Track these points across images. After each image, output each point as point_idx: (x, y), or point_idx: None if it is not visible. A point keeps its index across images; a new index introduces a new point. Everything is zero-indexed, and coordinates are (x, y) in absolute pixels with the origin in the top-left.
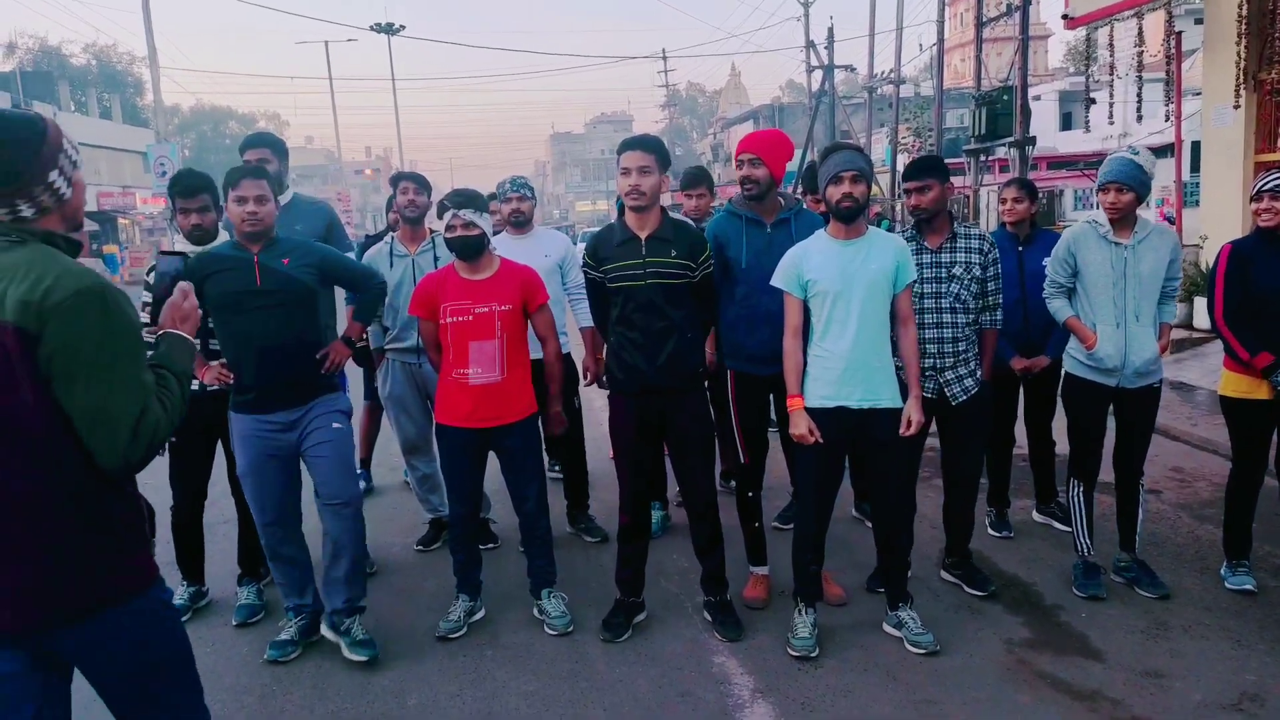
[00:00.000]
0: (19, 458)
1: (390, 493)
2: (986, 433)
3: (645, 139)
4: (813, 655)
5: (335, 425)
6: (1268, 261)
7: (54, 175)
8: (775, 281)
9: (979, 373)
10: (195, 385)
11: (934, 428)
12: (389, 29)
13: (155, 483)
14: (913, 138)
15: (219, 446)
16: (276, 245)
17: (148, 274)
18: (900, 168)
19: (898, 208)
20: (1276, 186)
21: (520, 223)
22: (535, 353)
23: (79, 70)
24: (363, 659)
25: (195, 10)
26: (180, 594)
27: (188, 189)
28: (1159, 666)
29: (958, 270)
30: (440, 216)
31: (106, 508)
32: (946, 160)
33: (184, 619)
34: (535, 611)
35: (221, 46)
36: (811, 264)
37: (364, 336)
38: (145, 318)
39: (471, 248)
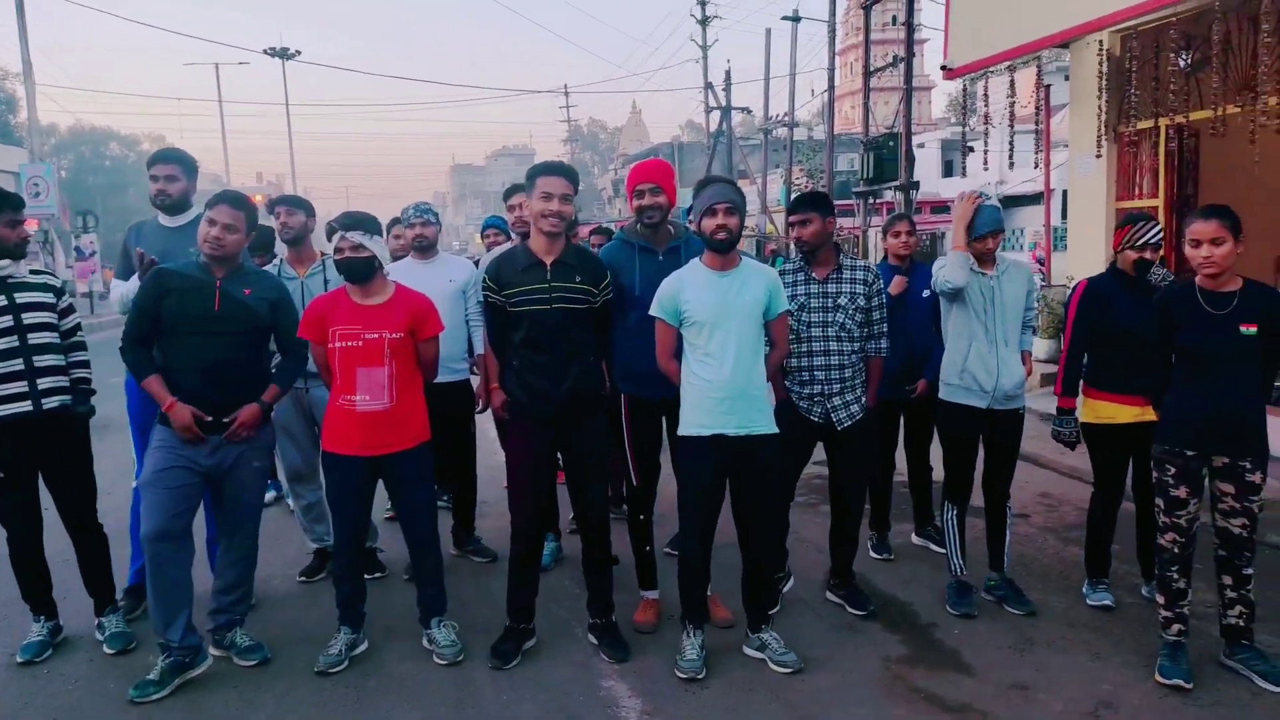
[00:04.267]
0: None
1: (273, 521)
2: (873, 458)
3: (567, 167)
4: (700, 676)
5: (255, 464)
6: (1121, 300)
7: None
8: (653, 311)
9: (864, 399)
10: (11, 410)
11: (819, 455)
12: (283, 54)
13: None
14: (806, 179)
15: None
16: (241, 274)
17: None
18: None
19: (791, 246)
20: (1159, 241)
21: (424, 247)
22: (445, 375)
23: None
24: (254, 662)
25: (76, 27)
26: (36, 631)
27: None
28: (1024, 679)
29: (843, 300)
30: (329, 238)
31: None
32: (837, 201)
33: (44, 656)
34: (424, 641)
35: (104, 65)
36: (688, 294)
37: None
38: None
39: (360, 270)
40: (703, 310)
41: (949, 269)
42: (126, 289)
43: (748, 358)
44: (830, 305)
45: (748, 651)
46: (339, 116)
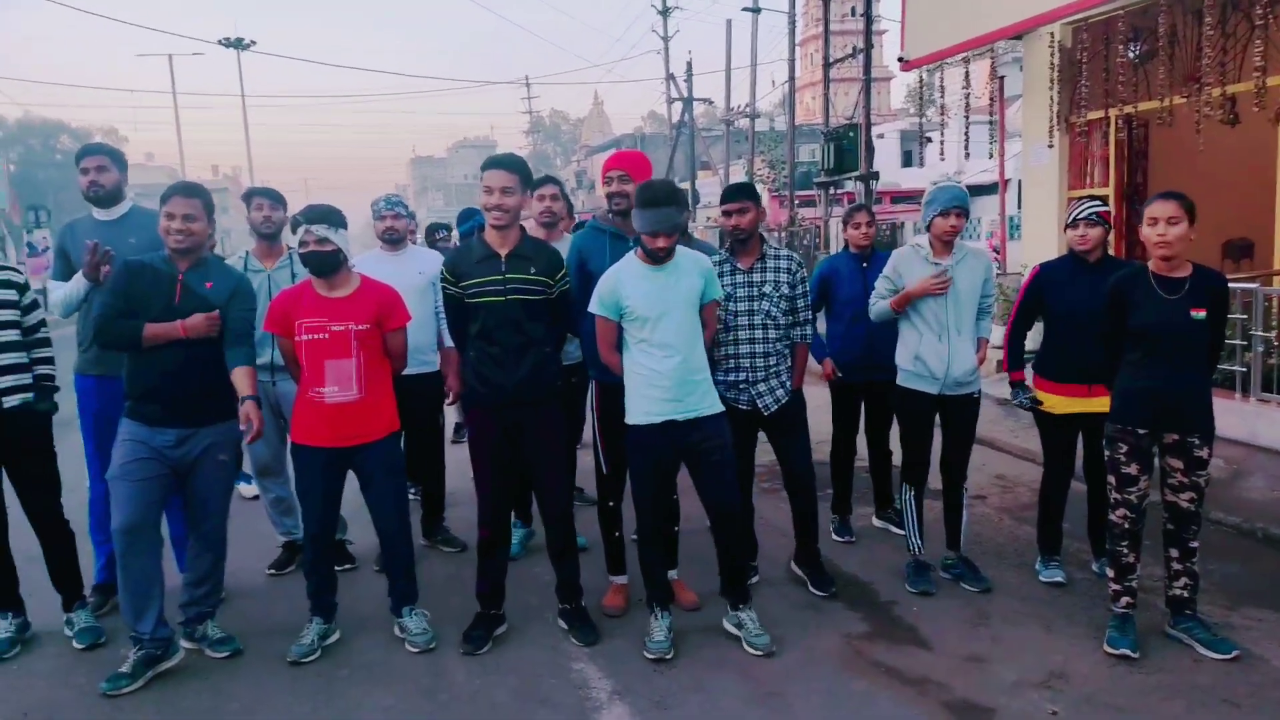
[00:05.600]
0: None
1: (241, 514)
2: (806, 435)
3: (509, 159)
4: (668, 657)
5: (221, 458)
6: (1072, 285)
7: None
8: (592, 308)
9: (789, 383)
10: None
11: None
12: (238, 44)
13: None
14: (768, 169)
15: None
16: (204, 267)
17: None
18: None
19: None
20: (1091, 215)
21: (393, 240)
22: (414, 367)
23: None
24: (226, 654)
25: (25, 17)
26: (4, 627)
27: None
28: (980, 652)
29: (768, 289)
30: (294, 231)
31: None
32: (799, 192)
33: (13, 652)
34: (396, 630)
35: (55, 57)
36: (627, 291)
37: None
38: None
39: (325, 264)
40: (644, 304)
41: (873, 309)
42: (69, 289)
43: (690, 345)
44: (756, 294)
45: (726, 626)
46: (296, 108)
